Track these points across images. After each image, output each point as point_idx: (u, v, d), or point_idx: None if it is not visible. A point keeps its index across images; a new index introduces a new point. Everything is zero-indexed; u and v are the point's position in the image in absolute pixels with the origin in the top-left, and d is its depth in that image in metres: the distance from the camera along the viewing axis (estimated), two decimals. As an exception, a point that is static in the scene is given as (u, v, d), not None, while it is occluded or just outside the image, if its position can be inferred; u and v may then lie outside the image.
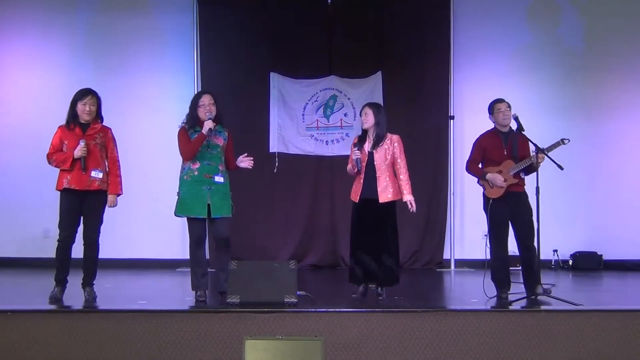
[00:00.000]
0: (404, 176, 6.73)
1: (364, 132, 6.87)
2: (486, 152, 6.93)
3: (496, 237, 6.80)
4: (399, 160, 6.74)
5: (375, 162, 6.72)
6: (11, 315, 5.77)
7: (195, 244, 6.63)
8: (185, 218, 6.65)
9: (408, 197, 6.72)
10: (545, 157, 6.65)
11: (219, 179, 6.60)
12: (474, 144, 7.06)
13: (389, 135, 6.78)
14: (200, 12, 9.79)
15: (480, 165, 7.00)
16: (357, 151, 6.73)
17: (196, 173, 6.60)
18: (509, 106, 6.89)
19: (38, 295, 6.76)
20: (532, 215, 6.70)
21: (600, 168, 10.00)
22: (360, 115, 6.92)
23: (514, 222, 6.80)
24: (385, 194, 6.69)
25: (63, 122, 6.60)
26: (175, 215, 6.70)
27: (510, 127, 6.89)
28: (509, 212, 6.77)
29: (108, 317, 5.83)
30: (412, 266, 9.70)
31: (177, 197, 6.72)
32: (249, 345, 4.16)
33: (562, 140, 6.63)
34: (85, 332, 5.67)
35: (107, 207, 6.62)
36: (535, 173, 6.72)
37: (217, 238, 6.71)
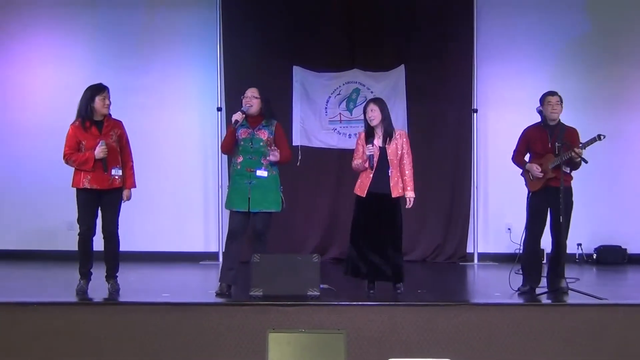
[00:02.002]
0: (409, 172, 6.67)
1: (370, 129, 6.74)
2: (530, 144, 6.89)
3: (530, 230, 6.79)
4: (406, 156, 6.67)
5: (388, 157, 6.64)
6: (37, 308, 5.84)
7: (230, 236, 6.66)
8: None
9: (410, 194, 6.65)
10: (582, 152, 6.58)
11: (261, 173, 6.56)
12: (520, 135, 7.02)
13: (395, 129, 6.76)
14: (223, 7, 9.77)
15: (527, 158, 6.97)
16: (372, 147, 6.60)
17: (239, 167, 6.63)
18: (560, 100, 6.79)
19: (63, 287, 6.82)
20: (569, 212, 6.64)
21: (625, 162, 9.86)
22: (365, 112, 6.78)
23: (551, 216, 6.76)
24: (396, 189, 6.63)
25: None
26: (225, 208, 6.80)
27: (559, 121, 6.80)
28: (548, 206, 6.74)
29: (131, 309, 5.89)
30: (435, 260, 9.65)
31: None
32: (272, 338, 4.17)
33: (599, 136, 6.54)
34: (108, 324, 5.73)
35: (123, 201, 6.63)
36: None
37: (254, 231, 6.68)
